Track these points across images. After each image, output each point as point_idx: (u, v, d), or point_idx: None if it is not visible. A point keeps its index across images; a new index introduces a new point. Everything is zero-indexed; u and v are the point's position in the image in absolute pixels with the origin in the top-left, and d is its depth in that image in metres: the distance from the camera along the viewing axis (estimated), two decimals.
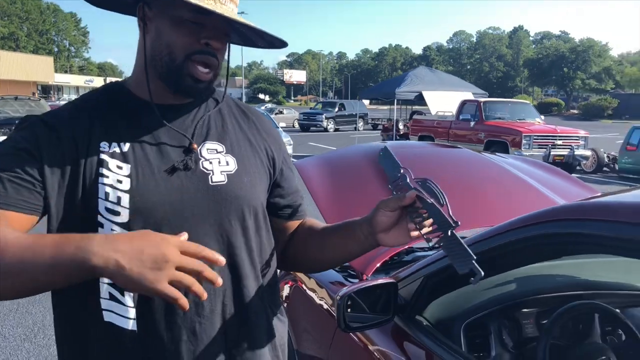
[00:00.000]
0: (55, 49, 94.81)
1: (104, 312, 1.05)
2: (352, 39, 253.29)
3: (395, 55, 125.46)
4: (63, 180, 1.03)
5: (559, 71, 73.10)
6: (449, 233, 1.04)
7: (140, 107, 1.13)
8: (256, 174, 1.20)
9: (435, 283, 1.64)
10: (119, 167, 1.06)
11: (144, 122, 1.12)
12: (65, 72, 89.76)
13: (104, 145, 1.07)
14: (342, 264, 1.47)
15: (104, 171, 1.05)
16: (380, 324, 1.59)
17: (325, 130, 29.74)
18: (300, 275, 2.40)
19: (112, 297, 1.04)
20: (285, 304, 2.44)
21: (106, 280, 1.02)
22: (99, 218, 1.02)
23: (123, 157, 1.07)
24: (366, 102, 30.32)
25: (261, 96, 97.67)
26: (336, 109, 31.28)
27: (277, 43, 1.20)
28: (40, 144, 1.03)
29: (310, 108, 37.48)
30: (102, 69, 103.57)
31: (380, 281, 1.60)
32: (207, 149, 1.15)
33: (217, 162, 1.14)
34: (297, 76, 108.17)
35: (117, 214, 1.03)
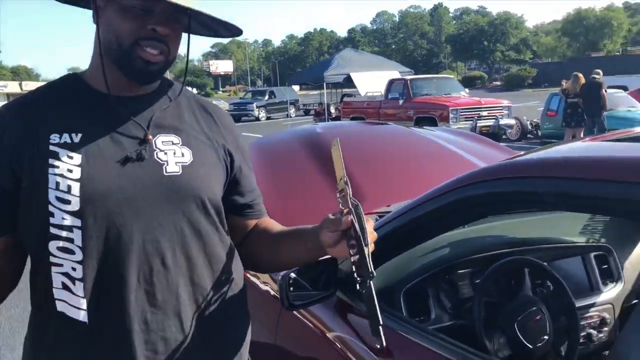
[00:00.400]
0: None
1: (56, 301, 1.06)
2: (276, 25, 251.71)
3: (321, 40, 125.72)
4: (14, 177, 1.05)
5: (479, 45, 75.45)
6: (368, 283, 1.04)
7: (96, 97, 1.13)
8: (212, 168, 1.20)
9: (373, 254, 1.69)
10: (70, 157, 1.06)
11: (98, 113, 1.12)
12: None
13: (54, 137, 1.07)
14: (293, 267, 1.50)
15: (54, 162, 1.05)
16: (322, 299, 1.62)
17: (257, 119, 29.51)
18: None
19: (64, 287, 1.05)
20: None
21: (59, 269, 1.05)
22: (50, 207, 1.03)
23: (74, 147, 1.07)
24: (296, 88, 30.30)
25: (188, 89, 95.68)
26: (266, 97, 31.08)
27: (234, 30, 1.21)
28: None
29: (240, 98, 37.09)
30: (16, 73, 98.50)
31: (321, 258, 1.63)
32: (162, 141, 1.15)
33: (172, 153, 1.14)
34: (223, 67, 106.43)
35: (68, 202, 1.03)
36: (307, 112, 31.32)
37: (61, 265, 1.05)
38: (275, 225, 1.37)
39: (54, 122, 1.09)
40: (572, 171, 1.18)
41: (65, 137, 1.08)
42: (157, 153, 1.13)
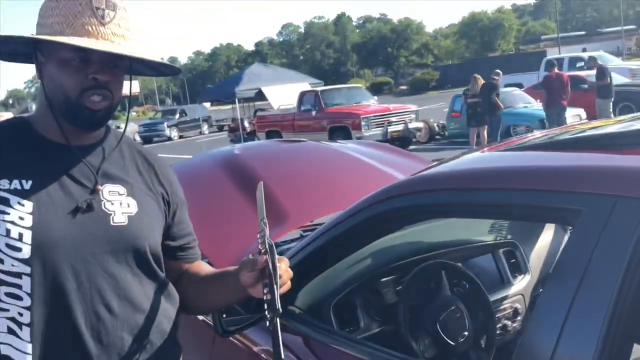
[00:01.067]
0: None
1: (1, 345, 1.07)
2: (182, 41, 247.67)
3: (228, 54, 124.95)
4: None
5: (384, 51, 77.73)
6: (275, 320, 1.08)
7: (45, 145, 1.16)
8: (154, 217, 1.25)
9: (300, 273, 1.75)
10: (21, 204, 1.08)
11: (48, 161, 1.15)
12: None
13: (4, 182, 1.09)
14: (219, 309, 1.55)
15: (5, 208, 1.07)
16: (256, 322, 1.67)
17: (170, 139, 28.88)
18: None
19: (10, 331, 1.07)
20: None
21: (6, 314, 1.07)
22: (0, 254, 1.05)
23: (25, 194, 1.09)
24: (207, 104, 29.94)
25: (129, 137, 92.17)
26: (177, 116, 30.49)
27: (168, 71, 1.30)
28: None
29: (150, 118, 36.16)
30: None
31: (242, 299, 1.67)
32: (109, 191, 1.19)
33: (119, 204, 1.19)
34: (129, 87, 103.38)
35: (19, 250, 1.06)
36: (220, 129, 31.01)
37: (7, 310, 1.06)
38: (204, 269, 1.41)
39: (4, 167, 1.11)
40: (465, 183, 1.31)
41: (16, 184, 1.10)
42: (104, 203, 1.17)
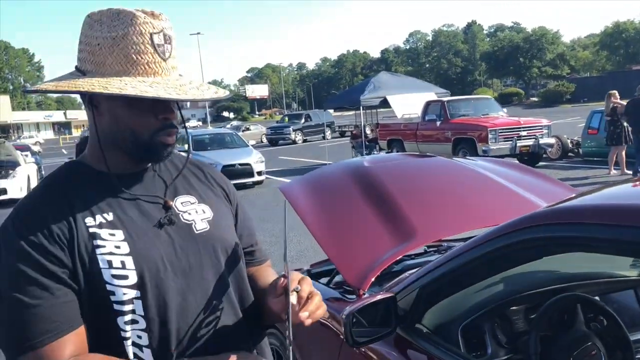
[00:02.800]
0: (10, 87, 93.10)
1: None
2: (310, 48, 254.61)
3: (354, 61, 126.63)
4: (74, 267, 1.07)
5: (515, 61, 74.73)
6: (287, 350, 1.07)
7: (107, 179, 1.16)
8: (228, 218, 1.30)
9: (431, 292, 1.77)
10: (112, 234, 1.10)
11: (116, 192, 1.16)
12: (23, 109, 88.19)
13: (89, 220, 1.10)
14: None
15: (99, 242, 1.09)
16: (384, 336, 1.71)
17: (294, 142, 29.90)
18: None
19: (135, 356, 1.10)
20: None
21: (128, 342, 1.09)
22: (108, 287, 1.07)
23: (112, 225, 1.11)
24: (331, 110, 30.56)
25: (225, 114, 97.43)
26: (302, 120, 31.49)
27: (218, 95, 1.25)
28: (38, 249, 1.05)
29: (277, 122, 37.58)
30: (61, 102, 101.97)
31: (380, 297, 1.72)
32: (181, 202, 1.22)
33: (195, 212, 1.22)
34: (259, 91, 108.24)
35: (125, 277, 1.08)
36: (342, 134, 31.52)
37: (129, 337, 1.09)
38: (266, 275, 1.38)
39: (81, 206, 1.11)
40: (627, 219, 1.25)
41: (99, 218, 1.11)
42: (182, 215, 1.20)
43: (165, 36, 1.11)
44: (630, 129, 10.71)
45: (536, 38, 75.64)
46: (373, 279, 2.18)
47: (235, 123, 48.28)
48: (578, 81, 57.91)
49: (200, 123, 73.92)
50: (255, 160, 14.24)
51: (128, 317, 1.08)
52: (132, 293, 1.08)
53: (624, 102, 10.81)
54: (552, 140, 13.51)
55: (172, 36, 1.13)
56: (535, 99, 60.73)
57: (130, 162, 1.18)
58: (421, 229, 2.36)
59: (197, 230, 1.20)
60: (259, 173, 14.14)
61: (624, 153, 10.85)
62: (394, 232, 2.36)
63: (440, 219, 2.51)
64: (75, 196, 1.12)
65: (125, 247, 1.10)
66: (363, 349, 1.88)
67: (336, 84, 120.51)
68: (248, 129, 34.96)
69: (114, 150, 1.16)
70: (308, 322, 1.11)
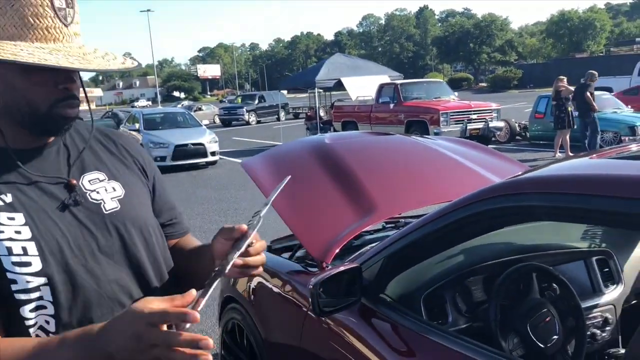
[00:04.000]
0: None
1: None
2: (263, 29, 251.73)
3: (307, 43, 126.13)
4: None
5: (465, 47, 76.00)
6: (218, 278, 1.00)
7: (3, 156, 1.06)
8: (142, 194, 1.22)
9: (394, 263, 1.81)
10: (11, 219, 1.01)
11: (14, 170, 1.06)
12: None
13: None
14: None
15: None
16: (350, 305, 1.75)
17: (248, 123, 29.65)
18: (262, 271, 2.52)
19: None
20: (251, 298, 2.56)
21: (34, 328, 1.01)
22: (9, 275, 0.98)
23: (10, 207, 1.02)
24: (284, 91, 30.41)
25: (176, 94, 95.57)
26: (256, 101, 31.22)
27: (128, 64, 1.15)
28: None
29: (229, 102, 37.15)
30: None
31: (346, 267, 1.75)
32: (89, 180, 1.14)
33: (104, 190, 1.14)
34: (211, 71, 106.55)
35: (28, 264, 0.99)
36: (296, 116, 31.45)
37: (35, 323, 1.00)
38: (190, 243, 1.33)
39: None
40: (565, 187, 1.33)
41: None
42: (89, 194, 1.11)
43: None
44: (576, 113, 11.16)
45: (486, 24, 77.05)
46: (337, 251, 2.22)
47: (186, 103, 47.42)
48: (525, 67, 59.50)
49: (150, 103, 72.28)
50: (209, 140, 14.06)
51: (33, 305, 0.99)
52: (39, 280, 0.99)
53: (571, 88, 11.22)
54: (501, 124, 13.89)
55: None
56: (484, 84, 62.10)
57: (30, 136, 1.08)
58: (381, 204, 2.41)
59: (106, 211, 1.12)
60: (213, 153, 13.98)
61: (568, 137, 11.27)
62: (355, 207, 2.39)
63: (400, 195, 2.56)
64: None
65: (26, 232, 1.01)
66: (328, 320, 1.91)
67: (290, 66, 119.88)
68: (200, 109, 34.38)
69: (11, 123, 1.05)
70: (256, 272, 1.09)
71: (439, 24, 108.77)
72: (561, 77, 11.58)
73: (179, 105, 38.56)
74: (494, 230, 1.84)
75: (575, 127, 11.26)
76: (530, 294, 1.86)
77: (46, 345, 0.93)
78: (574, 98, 11.06)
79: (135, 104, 71.46)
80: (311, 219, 2.45)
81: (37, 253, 1.00)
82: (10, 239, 0.99)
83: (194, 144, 13.68)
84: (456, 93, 16.16)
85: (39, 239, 1.01)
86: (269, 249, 2.95)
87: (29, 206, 1.04)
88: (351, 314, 1.84)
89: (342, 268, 1.77)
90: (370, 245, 2.20)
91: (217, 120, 31.74)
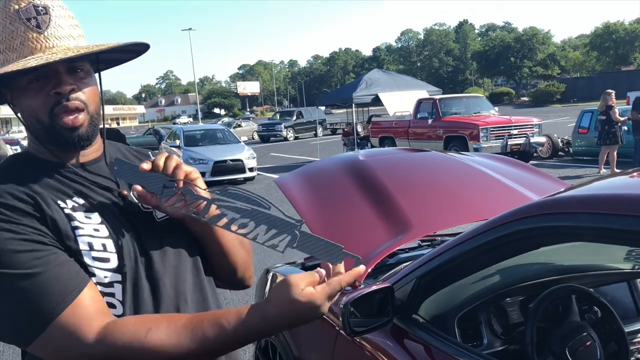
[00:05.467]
0: None
1: None
2: (302, 46, 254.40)
3: (346, 59, 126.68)
4: (56, 240, 1.03)
5: (506, 61, 74.95)
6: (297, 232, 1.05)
7: (61, 168, 1.13)
8: None
9: (427, 283, 1.78)
10: (88, 217, 1.07)
11: (76, 181, 1.12)
12: None
13: (60, 203, 1.06)
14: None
15: (77, 223, 1.05)
16: (381, 325, 1.72)
17: (285, 139, 29.87)
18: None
19: None
20: None
21: None
22: (89, 269, 1.04)
23: (85, 208, 1.08)
24: (322, 107, 30.57)
25: (216, 110, 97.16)
26: (294, 117, 31.46)
27: (139, 48, 1.18)
28: (16, 224, 1.00)
29: (268, 119, 37.55)
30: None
31: (378, 287, 1.73)
32: None
33: None
34: (250, 87, 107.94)
35: (107, 260, 1.05)
36: (333, 132, 31.53)
37: None
38: None
39: (47, 192, 1.06)
40: (610, 208, 1.27)
41: (71, 202, 1.08)
42: (141, 204, 1.16)
43: (35, 8, 1.05)
44: (624, 127, 10.84)
45: (527, 38, 75.92)
46: (369, 271, 2.19)
47: (226, 119, 48.13)
48: (568, 81, 58.30)
49: (191, 119, 73.66)
50: (247, 156, 14.21)
51: (106, 300, 1.05)
52: (114, 276, 1.06)
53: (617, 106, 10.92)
54: (543, 139, 13.59)
55: (49, 5, 1.06)
56: (525, 98, 61.08)
57: (69, 153, 1.13)
58: (416, 223, 2.37)
59: (157, 219, 1.17)
60: (251, 169, 14.11)
61: (615, 153, 10.93)
62: (389, 225, 2.37)
63: (435, 213, 2.52)
64: (36, 183, 1.07)
65: (104, 230, 1.07)
66: (359, 340, 1.89)
67: (328, 82, 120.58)
68: (239, 126, 34.86)
69: (46, 144, 1.11)
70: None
71: (479, 38, 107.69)
72: (609, 90, 11.25)
73: (219, 122, 39.14)
74: (532, 250, 1.79)
75: (623, 143, 10.92)
76: (570, 317, 1.80)
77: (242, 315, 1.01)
78: (633, 109, 10.69)
79: (177, 120, 72.99)
80: (343, 237, 2.43)
81: (114, 250, 1.07)
82: (91, 236, 1.05)
83: (232, 160, 13.84)
84: (496, 108, 15.92)
85: (115, 237, 1.08)
86: (303, 267, 2.94)
87: (100, 208, 1.10)
88: (383, 335, 1.81)
89: (374, 287, 1.74)
90: (403, 264, 2.17)
91: (256, 137, 32.08)
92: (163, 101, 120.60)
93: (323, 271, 1.05)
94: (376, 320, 1.72)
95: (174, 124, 53.19)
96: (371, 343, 1.85)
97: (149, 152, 1.32)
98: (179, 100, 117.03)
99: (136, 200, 1.15)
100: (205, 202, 1.08)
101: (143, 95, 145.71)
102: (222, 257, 1.25)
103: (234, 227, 1.07)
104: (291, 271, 2.84)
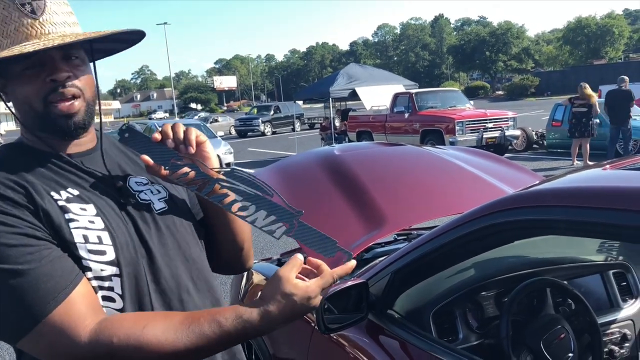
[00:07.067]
0: None
1: None
2: (279, 40, 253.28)
3: (323, 53, 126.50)
4: (49, 234, 1.01)
5: (481, 55, 75.54)
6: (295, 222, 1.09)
7: (55, 159, 1.10)
8: (182, 194, 1.27)
9: (402, 278, 1.76)
10: (83, 209, 1.05)
11: (71, 171, 1.10)
12: None
13: (54, 194, 1.03)
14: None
15: (71, 215, 1.02)
16: (356, 322, 1.70)
17: (263, 134, 29.71)
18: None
19: None
20: None
21: None
22: (84, 262, 1.01)
23: (80, 199, 1.06)
24: (300, 102, 30.50)
25: (193, 105, 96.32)
26: (272, 112, 31.29)
27: (133, 37, 1.17)
28: (8, 217, 0.97)
29: (246, 113, 37.33)
30: None
31: (352, 282, 1.70)
32: (135, 182, 1.18)
33: (150, 192, 1.19)
34: (227, 82, 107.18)
35: (103, 253, 1.03)
36: (312, 126, 31.47)
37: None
38: None
39: (41, 182, 1.04)
40: (584, 200, 1.27)
41: (65, 193, 1.05)
42: (138, 195, 1.16)
43: None
44: (597, 121, 11.00)
45: (502, 32, 76.55)
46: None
47: (202, 114, 47.70)
48: (542, 75, 59.04)
49: (167, 115, 72.91)
50: (224, 151, 14.12)
51: (105, 293, 1.03)
52: (111, 269, 1.03)
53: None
54: (518, 132, 13.74)
55: None
56: (500, 92, 61.72)
57: (64, 141, 1.11)
58: (391, 217, 2.36)
59: (156, 210, 1.16)
60: (228, 164, 14.02)
61: (588, 145, 11.09)
62: (365, 220, 2.35)
63: (410, 207, 2.51)
64: (29, 173, 1.04)
65: (99, 222, 1.05)
66: (334, 336, 1.87)
67: (305, 76, 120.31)
68: (216, 120, 34.54)
69: (40, 131, 1.09)
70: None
71: (455, 32, 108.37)
72: (584, 84, 11.37)
73: (196, 117, 38.80)
74: (507, 243, 1.79)
75: (595, 136, 11.08)
76: (544, 310, 1.80)
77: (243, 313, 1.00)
78: (605, 103, 10.87)
79: (153, 116, 72.19)
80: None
81: (110, 243, 1.04)
82: (86, 228, 1.02)
83: None
84: (472, 102, 16.03)
85: (111, 229, 1.05)
86: (279, 263, 2.91)
87: (95, 200, 1.08)
88: (358, 331, 1.79)
89: (348, 283, 1.72)
90: (378, 259, 2.15)
91: (233, 132, 31.87)
92: (139, 96, 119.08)
93: (301, 255, 1.06)
94: (351, 317, 1.71)
95: (150, 119, 52.55)
96: (347, 339, 1.83)
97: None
98: (155, 95, 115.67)
99: (134, 190, 1.15)
100: (209, 180, 1.11)
101: (118, 90, 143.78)
102: (232, 234, 1.27)
103: (234, 208, 1.10)
104: (267, 268, 2.81)
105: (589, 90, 11.04)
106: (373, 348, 1.74)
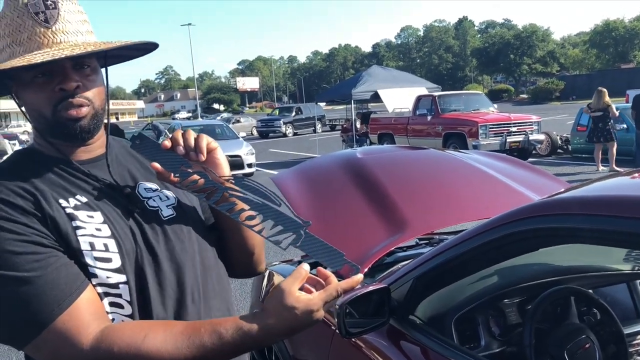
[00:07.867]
0: None
1: None
2: (301, 42, 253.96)
3: (345, 55, 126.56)
4: (56, 241, 1.02)
5: (505, 58, 74.95)
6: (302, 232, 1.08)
7: (65, 165, 1.11)
8: (192, 200, 1.27)
9: (424, 283, 1.75)
10: (90, 217, 1.06)
11: (80, 178, 1.11)
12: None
13: (62, 201, 1.05)
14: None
15: (78, 223, 1.03)
16: (377, 327, 1.69)
17: (285, 135, 29.82)
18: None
19: None
20: None
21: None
22: (90, 269, 1.02)
23: (88, 207, 1.07)
24: (322, 103, 30.52)
25: (216, 106, 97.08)
26: (293, 114, 31.41)
27: (147, 47, 1.18)
28: (15, 224, 0.99)
29: (267, 114, 37.48)
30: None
31: (374, 287, 1.70)
32: (144, 189, 1.18)
33: (159, 198, 1.19)
34: (250, 83, 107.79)
35: (109, 260, 1.04)
36: (333, 128, 31.49)
37: (113, 320, 1.04)
38: None
39: (50, 189, 1.05)
40: (611, 209, 1.25)
41: (73, 200, 1.06)
42: (147, 202, 1.16)
43: (44, 1, 1.03)
44: (625, 126, 10.81)
45: (527, 35, 75.87)
46: (366, 270, 2.17)
47: (225, 115, 48.04)
48: (567, 79, 58.27)
49: (191, 115, 73.54)
50: (246, 152, 14.18)
51: (113, 300, 1.04)
52: (118, 277, 1.04)
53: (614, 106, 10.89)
54: (542, 137, 13.57)
55: (59, 0, 1.05)
56: (524, 96, 61.05)
57: (74, 147, 1.12)
58: (414, 221, 2.35)
59: (163, 217, 1.16)
60: (250, 165, 14.08)
61: (614, 150, 10.91)
62: (387, 224, 2.34)
63: (433, 211, 2.50)
64: (39, 180, 1.06)
65: (106, 230, 1.05)
66: (355, 340, 1.86)
67: (327, 78, 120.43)
68: (238, 121, 34.79)
69: (50, 137, 1.11)
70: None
71: (479, 34, 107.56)
72: (602, 88, 11.20)
73: (218, 117, 39.07)
74: (531, 251, 1.77)
75: (617, 139, 10.90)
76: (568, 319, 1.77)
77: (243, 326, 1.01)
78: (633, 107, 10.67)
79: (176, 115, 72.87)
80: (340, 236, 2.41)
81: (117, 250, 1.05)
82: (92, 235, 1.04)
83: (231, 156, 13.79)
84: (496, 105, 15.89)
85: (118, 237, 1.06)
86: (299, 265, 2.92)
87: (103, 207, 1.09)
88: (379, 336, 1.79)
89: (370, 288, 1.71)
90: (400, 264, 2.14)
91: (255, 132, 32.03)
92: (162, 96, 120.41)
93: (307, 265, 1.06)
94: (372, 321, 1.70)
95: (173, 119, 53.08)
96: (367, 344, 1.83)
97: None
98: (178, 95, 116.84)
99: (142, 197, 1.15)
100: (218, 189, 1.11)
101: (142, 90, 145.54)
102: (242, 240, 1.27)
103: (242, 217, 1.10)
104: (288, 270, 2.82)
105: (605, 96, 10.87)
106: (394, 353, 1.73)
